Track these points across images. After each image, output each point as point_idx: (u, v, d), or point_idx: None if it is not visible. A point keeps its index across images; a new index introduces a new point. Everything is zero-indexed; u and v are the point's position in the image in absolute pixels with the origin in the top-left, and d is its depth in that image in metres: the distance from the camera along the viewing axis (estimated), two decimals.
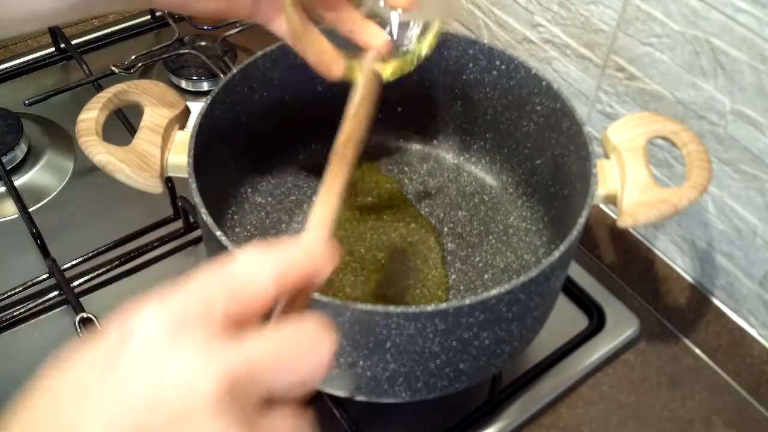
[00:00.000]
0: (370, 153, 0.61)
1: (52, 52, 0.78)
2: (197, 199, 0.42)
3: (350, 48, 0.45)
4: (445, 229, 0.57)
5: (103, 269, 0.59)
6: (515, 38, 0.67)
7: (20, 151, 0.67)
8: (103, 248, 0.60)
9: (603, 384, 0.55)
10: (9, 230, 0.63)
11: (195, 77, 0.74)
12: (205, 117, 0.47)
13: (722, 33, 0.49)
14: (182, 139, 0.47)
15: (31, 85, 0.76)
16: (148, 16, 0.83)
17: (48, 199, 0.65)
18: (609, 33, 0.57)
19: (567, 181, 0.51)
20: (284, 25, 0.44)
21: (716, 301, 0.60)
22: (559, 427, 0.53)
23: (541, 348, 0.56)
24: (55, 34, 0.77)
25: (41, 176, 0.67)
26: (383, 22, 0.45)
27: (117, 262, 0.59)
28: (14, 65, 0.77)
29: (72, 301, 0.55)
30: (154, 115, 0.47)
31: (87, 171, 0.67)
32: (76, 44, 0.78)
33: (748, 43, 0.48)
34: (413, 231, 0.57)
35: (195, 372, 0.23)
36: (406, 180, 0.60)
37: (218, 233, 0.40)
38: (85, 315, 0.51)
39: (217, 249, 0.42)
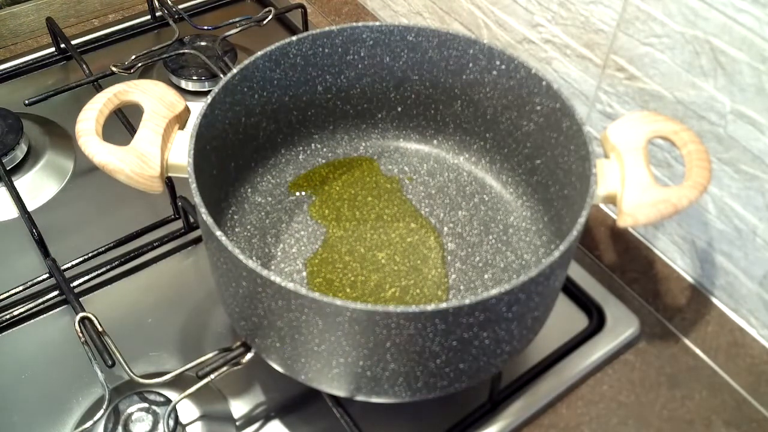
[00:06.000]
0: (370, 153, 0.61)
1: (52, 52, 0.78)
2: (197, 199, 0.42)
3: None
4: (445, 229, 0.57)
5: (103, 269, 0.59)
6: (515, 38, 0.67)
7: (20, 151, 0.67)
8: (103, 248, 0.60)
9: (603, 384, 0.55)
10: (9, 230, 0.63)
11: (195, 77, 0.74)
12: (205, 117, 0.47)
13: (722, 33, 0.49)
14: (182, 139, 0.47)
15: (31, 85, 0.76)
16: (148, 16, 0.83)
17: (48, 199, 0.65)
18: (609, 33, 0.57)
19: (567, 181, 0.51)
20: None
21: (716, 301, 0.60)
22: (559, 427, 0.53)
23: (541, 348, 0.56)
24: (55, 34, 0.77)
25: (41, 176, 0.67)
26: None
27: (117, 262, 0.59)
28: (14, 65, 0.77)
29: (72, 301, 0.55)
30: (154, 115, 0.47)
31: (87, 171, 0.67)
32: (76, 44, 0.78)
33: (748, 43, 0.48)
34: (413, 231, 0.57)
35: None
36: (406, 180, 0.60)
37: (218, 233, 0.40)
38: (85, 315, 0.51)
39: (217, 249, 0.42)
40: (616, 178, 0.46)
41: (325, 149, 0.61)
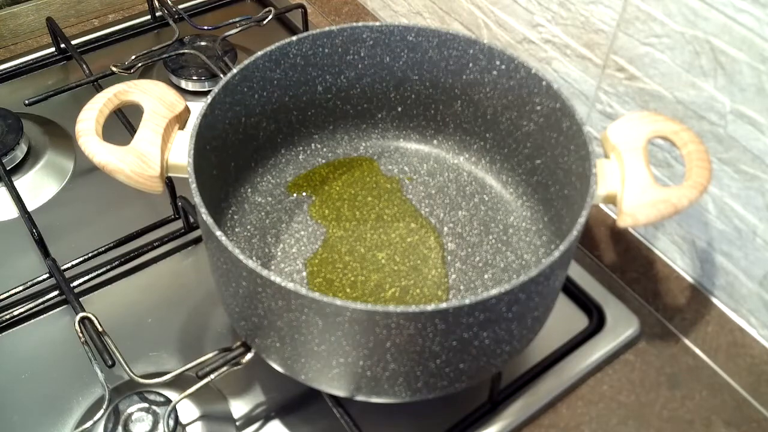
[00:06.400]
0: (370, 153, 0.61)
1: (52, 52, 0.78)
2: (197, 199, 0.42)
3: None
4: (445, 229, 0.57)
5: (103, 269, 0.59)
6: (515, 38, 0.67)
7: (20, 151, 0.67)
8: (103, 248, 0.60)
9: (603, 384, 0.55)
10: (9, 230, 0.63)
11: (195, 77, 0.74)
12: (205, 117, 0.47)
13: (722, 33, 0.49)
14: (182, 139, 0.47)
15: (31, 85, 0.76)
16: (148, 16, 0.83)
17: (48, 199, 0.65)
18: (609, 33, 0.57)
19: (567, 181, 0.51)
20: None
21: (716, 301, 0.60)
22: (559, 427, 0.53)
23: (541, 348, 0.56)
24: (55, 34, 0.77)
25: (41, 176, 0.67)
26: None
27: (117, 262, 0.59)
28: (14, 65, 0.77)
29: (72, 301, 0.55)
30: (154, 115, 0.47)
31: (87, 171, 0.68)
32: (76, 44, 0.78)
33: (748, 43, 0.48)
34: (413, 231, 0.57)
35: None
36: (406, 180, 0.60)
37: (218, 233, 0.40)
38: (85, 315, 0.51)
39: (217, 249, 0.42)
40: (616, 178, 0.46)
41: (325, 149, 0.61)
